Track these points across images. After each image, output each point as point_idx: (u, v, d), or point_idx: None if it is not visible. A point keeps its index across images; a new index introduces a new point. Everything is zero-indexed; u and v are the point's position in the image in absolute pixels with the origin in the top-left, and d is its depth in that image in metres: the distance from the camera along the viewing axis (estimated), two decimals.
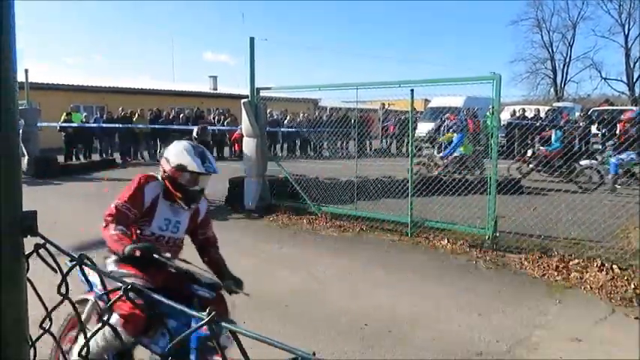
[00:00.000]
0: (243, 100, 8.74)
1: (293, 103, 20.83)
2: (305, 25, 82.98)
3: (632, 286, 5.02)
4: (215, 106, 25.09)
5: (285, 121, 20.60)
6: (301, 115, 21.60)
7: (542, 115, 18.33)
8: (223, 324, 0.65)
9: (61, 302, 0.76)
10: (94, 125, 17.28)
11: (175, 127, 17.68)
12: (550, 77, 45.25)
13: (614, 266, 5.42)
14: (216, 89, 31.98)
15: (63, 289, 0.71)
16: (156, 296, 0.78)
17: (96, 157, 17.44)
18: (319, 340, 3.98)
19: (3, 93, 0.54)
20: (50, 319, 0.76)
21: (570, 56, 44.14)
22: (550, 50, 44.59)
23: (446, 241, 6.74)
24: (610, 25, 42.06)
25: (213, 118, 20.99)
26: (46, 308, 0.75)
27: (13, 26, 0.63)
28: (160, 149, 18.89)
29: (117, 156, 17.56)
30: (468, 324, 4.36)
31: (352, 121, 11.53)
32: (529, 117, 18.14)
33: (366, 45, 77.11)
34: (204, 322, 0.66)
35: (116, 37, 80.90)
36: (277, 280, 5.44)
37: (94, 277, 2.20)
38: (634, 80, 41.16)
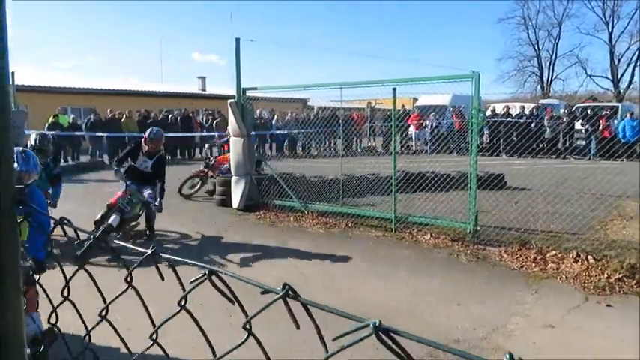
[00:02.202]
0: (229, 100, 8.86)
1: (281, 103, 20.92)
2: (295, 24, 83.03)
3: (605, 275, 5.23)
4: (204, 107, 25.13)
5: (273, 121, 20.73)
6: (289, 114, 21.72)
7: (527, 112, 18.62)
8: (300, 299, 0.66)
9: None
10: (78, 134, 17.29)
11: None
12: (537, 74, 45.79)
13: (589, 257, 5.62)
14: (204, 90, 31.98)
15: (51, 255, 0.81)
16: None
17: (85, 158, 17.46)
18: (303, 332, 4.11)
19: None
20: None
21: (556, 54, 44.72)
22: (536, 48, 45.12)
23: (429, 235, 6.92)
24: (594, 23, 42.62)
25: (202, 119, 21.05)
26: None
27: (4, 24, 0.70)
28: None
29: (106, 158, 17.58)
30: (447, 314, 4.52)
31: (339, 120, 11.68)
32: (513, 114, 18.38)
33: (361, 44, 77.35)
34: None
35: (105, 39, 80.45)
36: (263, 275, 5.57)
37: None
38: (618, 77, 41.75)
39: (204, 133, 19.77)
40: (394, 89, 7.25)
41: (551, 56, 44.92)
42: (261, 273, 5.64)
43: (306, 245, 6.80)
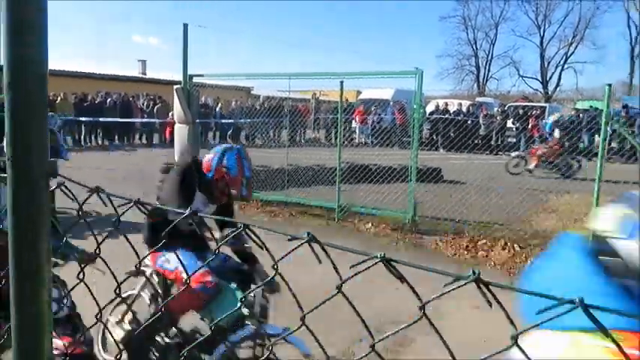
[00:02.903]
0: (175, 87, 8.75)
1: (226, 91, 20.70)
2: (240, 12, 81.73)
3: (529, 262, 5.71)
4: (145, 92, 24.41)
5: (217, 109, 20.49)
6: (234, 103, 21.53)
7: (464, 109, 19.48)
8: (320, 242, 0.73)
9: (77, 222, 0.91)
10: None
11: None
12: (474, 73, 47.76)
13: (515, 245, 6.10)
14: (145, 74, 31.01)
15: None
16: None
17: None
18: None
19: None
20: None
21: (492, 54, 46.84)
22: (474, 47, 47.03)
23: (370, 224, 7.22)
24: (528, 27, 45.01)
25: (143, 104, 20.48)
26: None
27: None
28: (85, 135, 18.26)
29: None
30: (387, 297, 4.80)
31: (285, 110, 11.81)
32: (451, 111, 19.15)
33: (307, 35, 77.27)
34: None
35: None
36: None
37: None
38: (547, 79, 44.34)
39: (145, 119, 19.27)
40: (341, 82, 7.46)
41: (488, 56, 47.05)
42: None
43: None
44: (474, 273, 0.61)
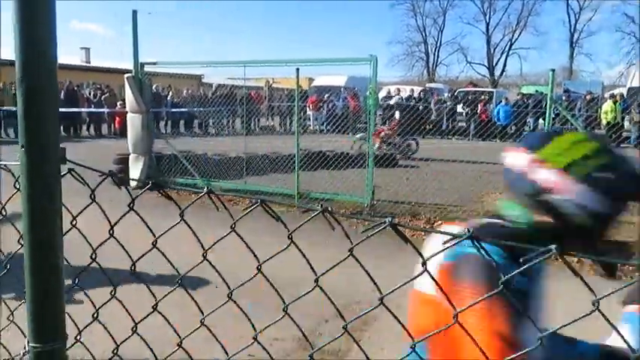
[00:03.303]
0: (126, 75, 8.51)
1: (177, 79, 20.23)
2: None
3: None
4: (91, 81, 23.53)
5: (169, 97, 20.03)
6: (185, 91, 21.10)
7: (416, 95, 19.90)
8: (331, 212, 0.87)
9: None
10: None
11: None
12: (423, 59, 48.71)
13: None
14: (89, 62, 29.86)
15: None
16: None
17: None
18: (215, 305, 4.28)
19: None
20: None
21: (441, 41, 47.90)
22: (423, 34, 47.93)
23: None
24: (474, 14, 46.28)
25: (90, 94, 19.74)
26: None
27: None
28: None
29: None
30: (348, 279, 4.93)
31: (239, 98, 11.70)
32: (403, 97, 19.52)
33: (258, 24, 76.20)
34: None
35: None
36: (171, 253, 5.58)
37: None
38: (494, 64, 45.82)
39: (93, 109, 18.61)
40: (297, 69, 7.48)
41: (437, 43, 48.06)
42: (167, 251, 5.64)
43: (209, 223, 6.86)
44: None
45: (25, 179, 0.74)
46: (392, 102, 18.07)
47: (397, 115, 13.07)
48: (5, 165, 0.98)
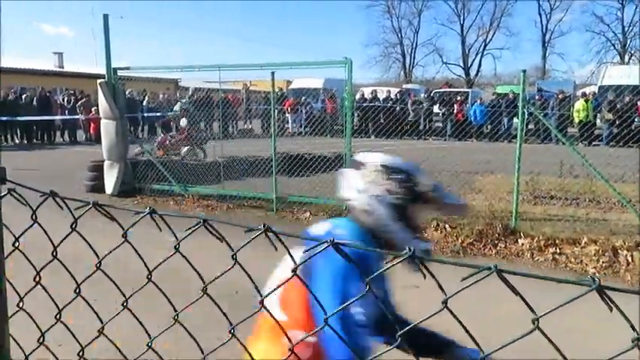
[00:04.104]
0: (99, 81, 8.38)
1: (152, 84, 20.01)
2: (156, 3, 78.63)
3: (460, 240, 6.05)
4: (64, 86, 23.10)
5: (144, 102, 19.77)
6: (161, 95, 20.86)
7: (393, 96, 20.02)
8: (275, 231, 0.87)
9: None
10: None
11: None
12: (400, 61, 49.09)
13: (447, 226, 6.43)
14: (62, 67, 29.30)
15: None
16: None
17: None
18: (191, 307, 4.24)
19: None
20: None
21: (416, 42, 48.33)
22: (399, 35, 48.31)
23: (308, 213, 7.33)
24: (448, 15, 46.82)
25: (63, 100, 19.37)
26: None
27: None
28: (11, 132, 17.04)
29: None
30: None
31: (216, 102, 11.58)
32: (381, 98, 19.61)
33: (236, 27, 75.76)
34: None
35: None
36: (150, 260, 5.51)
37: None
38: (469, 65, 46.42)
39: (67, 116, 18.27)
40: (272, 73, 7.46)
41: (413, 44, 48.49)
42: (147, 258, 5.56)
43: (187, 228, 6.79)
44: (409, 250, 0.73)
45: None
46: (364, 104, 18.18)
47: (183, 122, 12.26)
48: None
